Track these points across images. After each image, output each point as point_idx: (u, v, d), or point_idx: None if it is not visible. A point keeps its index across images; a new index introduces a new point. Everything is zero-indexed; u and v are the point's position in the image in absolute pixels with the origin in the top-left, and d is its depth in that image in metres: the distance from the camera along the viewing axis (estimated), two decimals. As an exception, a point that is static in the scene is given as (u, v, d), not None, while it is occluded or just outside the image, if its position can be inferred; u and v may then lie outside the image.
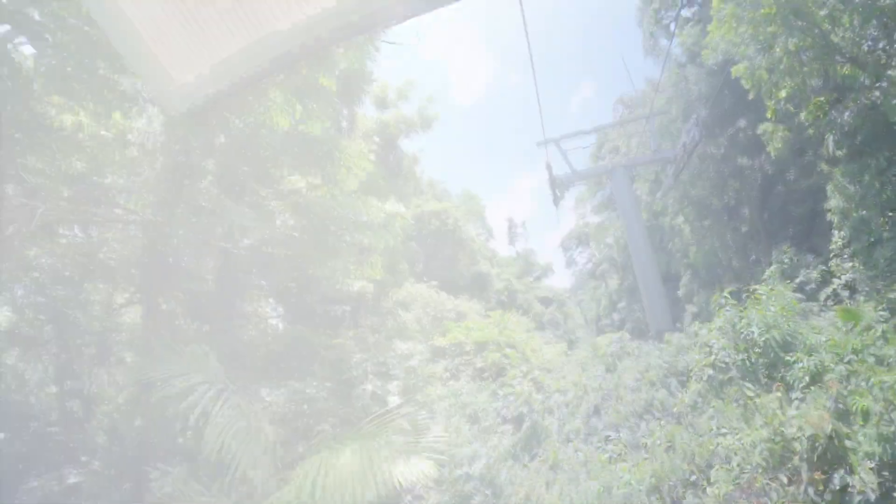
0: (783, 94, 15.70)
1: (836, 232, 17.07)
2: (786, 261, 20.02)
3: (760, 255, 27.17)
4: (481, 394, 9.50)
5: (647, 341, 33.96)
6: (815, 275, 18.55)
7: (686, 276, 40.04)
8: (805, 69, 15.28)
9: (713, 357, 8.25)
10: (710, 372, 8.11)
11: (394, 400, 8.44)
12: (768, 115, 16.31)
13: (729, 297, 9.56)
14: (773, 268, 19.94)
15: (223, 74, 2.03)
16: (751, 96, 17.54)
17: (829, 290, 17.01)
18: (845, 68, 14.86)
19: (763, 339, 8.03)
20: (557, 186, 17.28)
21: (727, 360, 8.12)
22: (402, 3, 1.82)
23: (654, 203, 37.20)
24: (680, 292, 42.41)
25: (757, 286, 14.17)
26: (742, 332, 8.46)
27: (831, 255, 17.55)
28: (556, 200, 18.03)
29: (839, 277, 16.68)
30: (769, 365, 7.82)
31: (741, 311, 9.02)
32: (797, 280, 18.70)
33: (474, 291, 33.51)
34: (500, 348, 11.09)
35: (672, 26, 44.17)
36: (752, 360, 7.91)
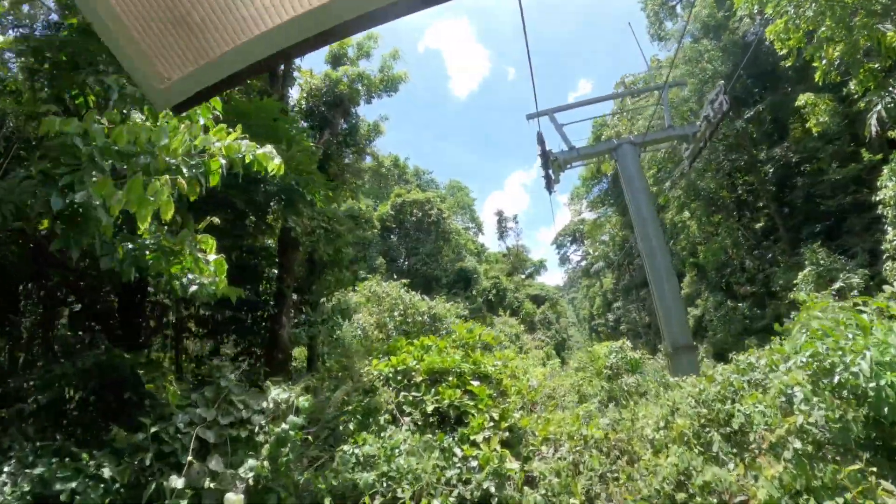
0: (835, 52, 12.53)
1: (889, 229, 14.05)
2: (821, 262, 16.97)
3: (778, 254, 24.18)
4: (428, 455, 6.25)
5: (658, 355, 31.12)
6: (856, 280, 15.57)
7: (690, 276, 37.11)
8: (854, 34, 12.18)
9: (799, 418, 5.08)
10: (797, 444, 4.97)
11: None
12: (816, 79, 13.12)
13: (813, 307, 6.19)
14: (806, 271, 16.86)
15: (211, 73, 2.09)
16: (788, 62, 14.39)
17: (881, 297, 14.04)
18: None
19: (881, 387, 4.88)
20: (553, 167, 14.09)
21: (821, 424, 4.97)
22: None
23: (659, 196, 34.17)
24: (683, 292, 39.61)
25: (800, 295, 11.08)
26: (837, 373, 5.27)
27: (885, 257, 14.50)
28: (550, 185, 14.83)
29: (893, 284, 13.69)
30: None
31: (824, 334, 5.74)
32: (835, 286, 15.69)
33: (459, 289, 30.29)
34: (464, 380, 7.83)
35: (678, 7, 40.80)
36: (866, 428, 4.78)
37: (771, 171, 24.73)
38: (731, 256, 26.48)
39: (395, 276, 30.87)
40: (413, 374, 7.96)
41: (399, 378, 7.89)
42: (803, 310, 6.86)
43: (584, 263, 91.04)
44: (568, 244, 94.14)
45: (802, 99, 16.60)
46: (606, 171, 29.29)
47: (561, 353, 74.23)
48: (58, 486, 4.43)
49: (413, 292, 21.76)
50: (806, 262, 17.73)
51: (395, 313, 17.74)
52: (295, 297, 14.43)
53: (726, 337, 26.22)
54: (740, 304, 25.10)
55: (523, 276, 74.05)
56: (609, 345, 20.85)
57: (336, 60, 14.93)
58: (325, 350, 13.77)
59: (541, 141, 14.06)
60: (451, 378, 7.78)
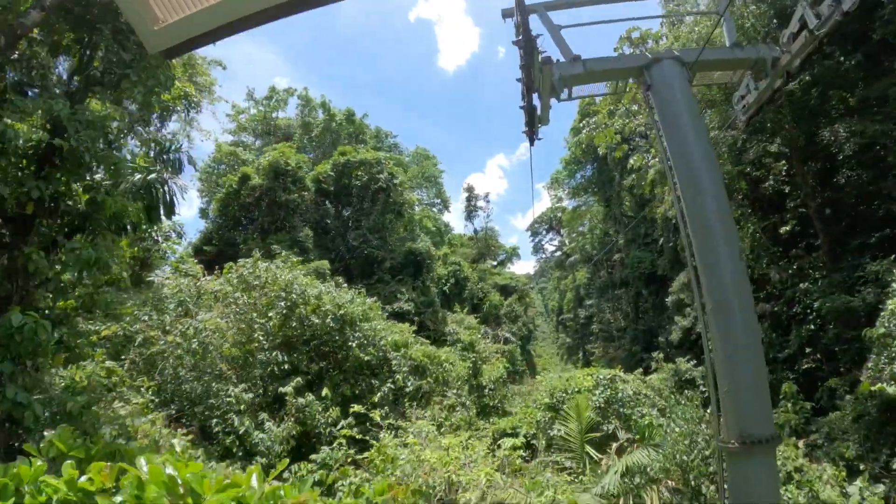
0: None
1: None
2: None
3: (814, 266, 18.81)
4: None
5: (651, 377, 25.95)
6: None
7: (683, 280, 31.89)
8: None
9: None
10: None
11: None
12: None
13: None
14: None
15: (208, 19, 2.05)
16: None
17: None
18: None
19: None
20: (542, 91, 8.10)
21: None
22: None
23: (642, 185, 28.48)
24: (669, 298, 34.39)
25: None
26: None
27: None
28: (535, 124, 8.79)
29: None
30: None
31: None
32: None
33: (407, 276, 24.06)
34: None
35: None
36: None
37: (811, 159, 19.17)
38: (749, 264, 20.99)
39: (329, 258, 24.41)
40: None
41: None
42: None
43: (558, 254, 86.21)
44: (543, 232, 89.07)
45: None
46: (626, 105, 22.90)
47: (527, 345, 69.71)
48: None
49: (331, 280, 15.43)
50: (891, 283, 12.23)
51: (273, 313, 11.40)
52: None
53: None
54: (755, 326, 19.81)
55: (494, 264, 68.40)
56: (595, 373, 15.05)
57: None
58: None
59: (526, 35, 7.80)
60: None
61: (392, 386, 11.26)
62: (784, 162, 20.17)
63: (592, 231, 59.30)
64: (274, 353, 10.92)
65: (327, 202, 24.93)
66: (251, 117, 38.80)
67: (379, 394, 11.36)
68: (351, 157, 25.29)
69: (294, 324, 11.46)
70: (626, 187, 48.82)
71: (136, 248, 22.38)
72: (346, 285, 21.37)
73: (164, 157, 9.19)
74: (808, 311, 18.55)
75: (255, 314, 11.11)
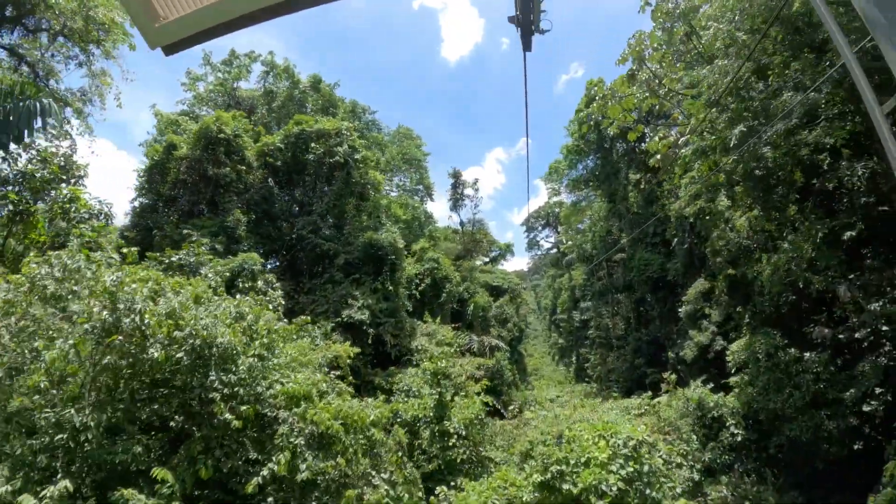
0: None
1: None
2: None
3: (885, 283, 14.30)
4: None
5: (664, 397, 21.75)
6: None
7: (718, 289, 27.30)
8: None
9: None
10: None
11: None
12: None
13: None
14: None
15: (208, 18, 2.09)
16: None
17: None
18: None
19: None
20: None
21: None
22: None
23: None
24: (682, 308, 29.72)
25: None
26: None
27: None
28: (532, 16, 4.45)
29: None
30: None
31: None
32: None
33: (366, 275, 19.37)
34: None
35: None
36: None
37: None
38: (796, 277, 16.48)
39: (271, 250, 19.82)
40: None
41: None
42: None
43: (554, 251, 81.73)
44: (539, 228, 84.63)
45: None
46: (661, 60, 18.05)
47: (518, 346, 65.27)
48: None
49: (263, 278, 10.81)
50: None
51: (73, 338, 6.69)
52: None
53: (768, 400, 16.54)
54: (809, 355, 15.29)
55: (486, 261, 63.65)
56: (610, 431, 10.01)
57: None
58: None
59: None
60: None
61: (273, 469, 6.67)
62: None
63: (591, 229, 54.73)
64: (71, 411, 6.28)
65: (271, 181, 20.13)
66: (209, 86, 33.64)
67: (256, 480, 6.80)
68: (306, 128, 20.50)
69: (116, 358, 6.80)
70: (633, 181, 44.27)
71: (45, 231, 17.66)
72: (279, 287, 16.70)
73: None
74: (884, 339, 14.13)
75: (39, 340, 6.49)
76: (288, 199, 20.90)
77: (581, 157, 45.83)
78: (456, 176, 30.59)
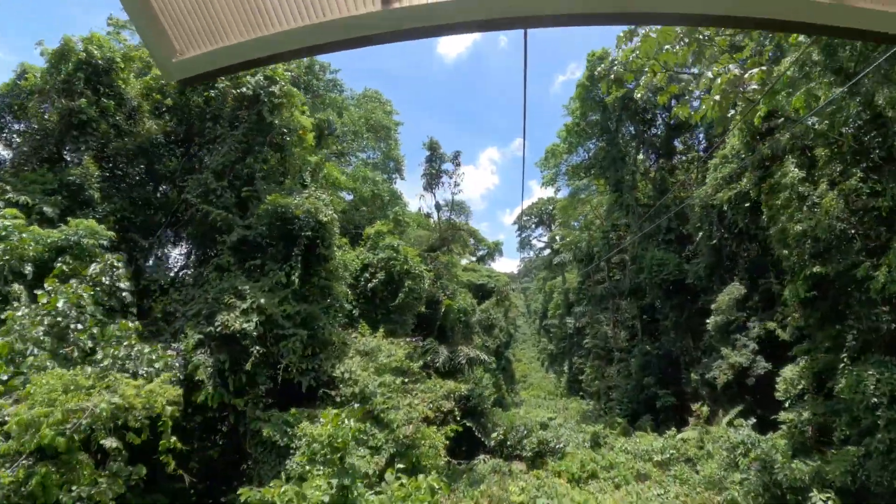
0: None
1: None
2: None
3: None
4: None
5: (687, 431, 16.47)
6: None
7: (732, 295, 21.23)
8: None
9: None
10: None
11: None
12: None
13: None
14: None
15: (225, 56, 2.11)
16: None
17: None
18: None
19: None
20: None
21: None
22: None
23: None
24: (711, 320, 23.50)
25: None
26: None
27: None
28: None
29: None
30: None
31: None
32: None
33: (271, 258, 13.10)
34: None
35: None
36: None
37: None
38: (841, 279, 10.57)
39: (143, 218, 13.72)
40: None
41: None
42: None
43: (547, 252, 75.89)
44: (532, 227, 78.88)
45: None
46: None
47: (505, 352, 59.09)
48: None
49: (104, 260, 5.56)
50: None
51: None
52: None
53: (890, 472, 10.69)
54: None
55: (472, 259, 57.43)
56: None
57: None
58: None
59: None
60: None
61: None
62: None
63: (590, 226, 48.85)
64: None
65: (155, 126, 13.78)
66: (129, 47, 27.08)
67: None
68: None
69: None
70: (641, 168, 38.42)
71: None
72: (125, 276, 10.55)
73: None
74: None
75: None
76: (182, 153, 14.66)
77: (582, 139, 39.82)
78: (432, 147, 24.44)
